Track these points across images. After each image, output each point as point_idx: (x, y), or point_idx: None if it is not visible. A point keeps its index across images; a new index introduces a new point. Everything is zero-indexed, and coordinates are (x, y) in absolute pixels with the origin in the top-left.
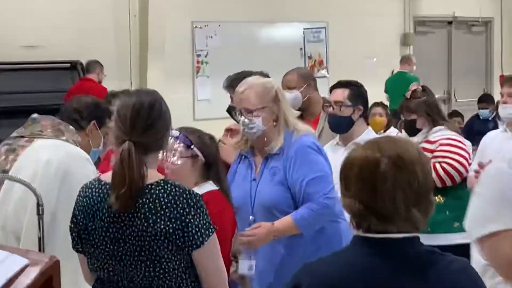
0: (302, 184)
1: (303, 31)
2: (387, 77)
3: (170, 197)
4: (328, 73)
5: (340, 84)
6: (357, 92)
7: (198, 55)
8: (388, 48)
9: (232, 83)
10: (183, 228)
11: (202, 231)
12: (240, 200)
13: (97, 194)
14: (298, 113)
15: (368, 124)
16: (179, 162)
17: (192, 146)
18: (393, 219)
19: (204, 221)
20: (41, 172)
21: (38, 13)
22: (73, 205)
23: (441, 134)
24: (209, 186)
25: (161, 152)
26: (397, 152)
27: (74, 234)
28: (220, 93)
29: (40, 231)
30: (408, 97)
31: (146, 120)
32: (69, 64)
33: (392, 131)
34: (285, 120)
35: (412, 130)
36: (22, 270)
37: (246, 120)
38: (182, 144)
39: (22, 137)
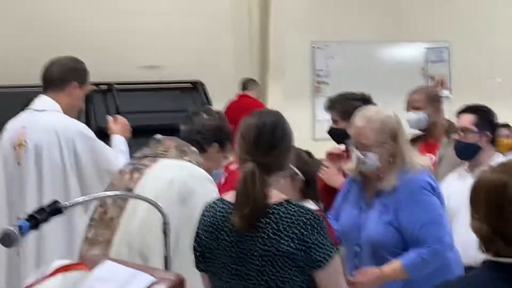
0: (414, 227)
1: (425, 51)
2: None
3: (293, 217)
4: (450, 94)
5: (468, 109)
6: (485, 117)
7: (318, 75)
8: None
9: (333, 104)
10: (305, 248)
11: (325, 251)
12: (347, 227)
13: (220, 213)
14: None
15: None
16: (281, 181)
17: (290, 165)
18: None
19: (327, 241)
20: (164, 191)
21: (158, 33)
22: (195, 225)
23: None
24: (310, 206)
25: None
26: None
27: (197, 253)
28: None
29: (166, 250)
30: None
31: (268, 140)
32: (190, 84)
33: None
34: (402, 157)
35: None
36: None
37: (361, 156)
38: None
39: (146, 156)
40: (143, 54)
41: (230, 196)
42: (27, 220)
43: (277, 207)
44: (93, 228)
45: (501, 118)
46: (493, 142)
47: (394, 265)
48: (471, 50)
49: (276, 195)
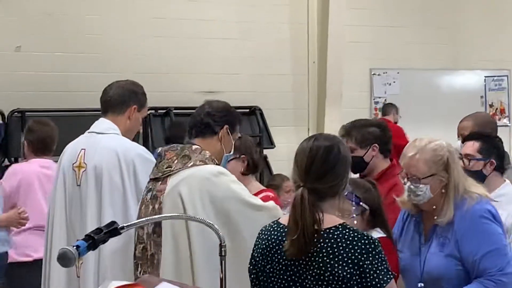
0: (475, 258)
1: (484, 79)
2: None
3: (348, 242)
4: (510, 122)
5: (472, 136)
6: (489, 144)
7: (376, 102)
8: None
9: (349, 132)
10: (360, 273)
11: (380, 277)
12: (408, 262)
13: (275, 237)
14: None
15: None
16: (355, 222)
17: (361, 203)
18: None
19: (382, 267)
20: (188, 207)
21: (217, 59)
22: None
23: None
24: (377, 234)
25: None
26: None
27: (252, 276)
28: None
29: (222, 272)
30: None
31: (321, 166)
32: (247, 110)
33: None
34: (455, 187)
35: None
36: None
37: (413, 187)
38: (352, 203)
39: (157, 179)
40: (201, 79)
41: (285, 220)
42: (85, 240)
43: (332, 232)
44: (140, 267)
45: None
46: (500, 169)
47: None
48: None
49: (330, 220)
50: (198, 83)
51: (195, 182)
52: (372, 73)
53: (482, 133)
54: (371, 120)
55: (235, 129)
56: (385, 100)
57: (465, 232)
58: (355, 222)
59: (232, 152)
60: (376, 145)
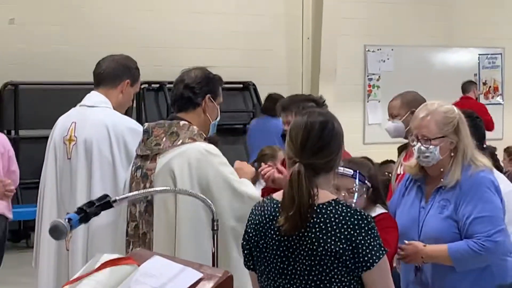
0: (467, 221)
1: (478, 57)
2: None
3: (341, 218)
4: (503, 100)
5: None
6: (471, 124)
7: (370, 79)
8: None
9: (288, 106)
10: (353, 248)
11: (373, 252)
12: (406, 224)
13: (268, 212)
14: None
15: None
16: (354, 201)
17: (366, 181)
18: None
19: (375, 243)
20: (178, 183)
21: (211, 34)
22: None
23: None
24: (379, 210)
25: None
26: None
27: (246, 252)
28: None
29: (214, 247)
30: None
31: (317, 142)
32: (241, 85)
33: None
34: (464, 152)
35: None
36: (196, 284)
37: (423, 148)
38: (358, 182)
39: (146, 156)
40: (195, 54)
41: (279, 195)
42: (77, 213)
43: (325, 207)
44: (132, 244)
45: None
46: (482, 149)
47: (440, 247)
48: None
49: (324, 195)
50: (192, 57)
51: (184, 162)
52: (367, 49)
53: (465, 113)
54: (308, 95)
55: (217, 94)
56: (379, 76)
57: (465, 196)
58: (355, 200)
59: (217, 119)
60: None
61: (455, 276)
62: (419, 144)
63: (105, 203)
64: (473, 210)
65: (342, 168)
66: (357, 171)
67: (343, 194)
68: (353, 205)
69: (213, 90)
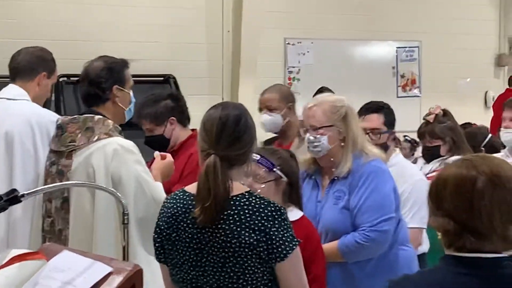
0: (355, 210)
1: (396, 50)
2: (480, 97)
3: (255, 209)
4: (420, 93)
5: (373, 110)
6: (390, 116)
7: (290, 72)
8: (482, 68)
9: (141, 112)
10: (267, 240)
11: (286, 243)
12: None
13: (181, 205)
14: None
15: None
16: (262, 186)
17: (275, 169)
18: (491, 237)
19: (288, 234)
20: (96, 178)
21: (131, 27)
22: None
23: None
24: (296, 213)
25: (245, 177)
26: (493, 170)
27: (157, 245)
28: None
29: (124, 240)
30: (432, 121)
31: (231, 133)
32: (161, 78)
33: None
34: (353, 141)
35: (432, 157)
36: (105, 278)
37: (311, 137)
38: (264, 168)
39: (61, 153)
40: (115, 47)
41: (192, 188)
42: None
43: (238, 199)
44: (47, 240)
45: (469, 117)
46: (394, 138)
47: (331, 244)
48: (442, 50)
49: (238, 188)
50: (112, 50)
51: (101, 157)
52: (287, 42)
53: (382, 105)
54: (161, 94)
55: (125, 80)
56: (299, 69)
57: (355, 186)
58: (262, 186)
59: (132, 104)
60: (173, 117)
61: (353, 266)
62: (308, 134)
63: (12, 198)
64: (361, 200)
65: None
66: (264, 157)
67: (249, 180)
68: (258, 191)
69: (119, 78)
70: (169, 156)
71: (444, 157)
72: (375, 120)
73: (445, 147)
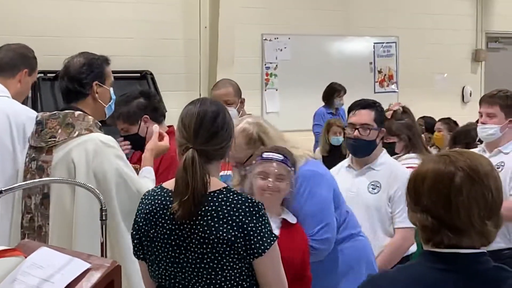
0: (298, 219)
1: (373, 45)
2: (457, 92)
3: (233, 205)
4: (397, 88)
5: (365, 105)
6: (381, 114)
7: (268, 68)
8: (459, 64)
9: (116, 114)
10: (245, 236)
11: (264, 239)
12: None
13: (159, 201)
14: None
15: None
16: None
17: (293, 168)
18: (468, 233)
19: (266, 230)
20: (77, 174)
21: (108, 23)
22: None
23: (408, 163)
24: (292, 217)
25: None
26: (471, 165)
27: (135, 241)
28: (289, 105)
29: (102, 236)
30: (389, 117)
31: (209, 129)
32: (138, 74)
33: None
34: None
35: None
36: (84, 274)
37: (242, 172)
38: (288, 168)
39: (42, 149)
40: (92, 43)
41: (169, 184)
42: None
43: (216, 195)
44: (26, 236)
45: (446, 113)
46: (382, 138)
47: None
48: (419, 45)
49: (215, 183)
50: (89, 47)
51: (82, 153)
52: (264, 38)
53: (374, 102)
54: (133, 93)
55: (105, 76)
56: (276, 65)
57: (294, 195)
58: (285, 186)
59: (113, 101)
60: (146, 116)
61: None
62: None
63: None
64: (299, 210)
65: (271, 154)
66: (287, 156)
67: (270, 180)
68: (281, 192)
69: (99, 75)
70: (166, 139)
71: (399, 154)
72: (366, 115)
73: (401, 144)
